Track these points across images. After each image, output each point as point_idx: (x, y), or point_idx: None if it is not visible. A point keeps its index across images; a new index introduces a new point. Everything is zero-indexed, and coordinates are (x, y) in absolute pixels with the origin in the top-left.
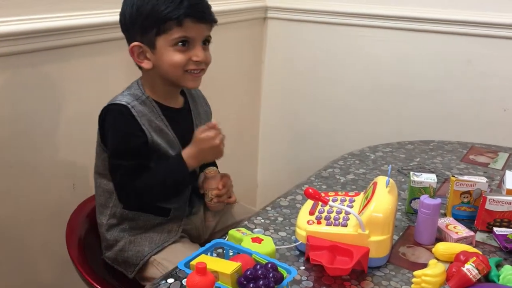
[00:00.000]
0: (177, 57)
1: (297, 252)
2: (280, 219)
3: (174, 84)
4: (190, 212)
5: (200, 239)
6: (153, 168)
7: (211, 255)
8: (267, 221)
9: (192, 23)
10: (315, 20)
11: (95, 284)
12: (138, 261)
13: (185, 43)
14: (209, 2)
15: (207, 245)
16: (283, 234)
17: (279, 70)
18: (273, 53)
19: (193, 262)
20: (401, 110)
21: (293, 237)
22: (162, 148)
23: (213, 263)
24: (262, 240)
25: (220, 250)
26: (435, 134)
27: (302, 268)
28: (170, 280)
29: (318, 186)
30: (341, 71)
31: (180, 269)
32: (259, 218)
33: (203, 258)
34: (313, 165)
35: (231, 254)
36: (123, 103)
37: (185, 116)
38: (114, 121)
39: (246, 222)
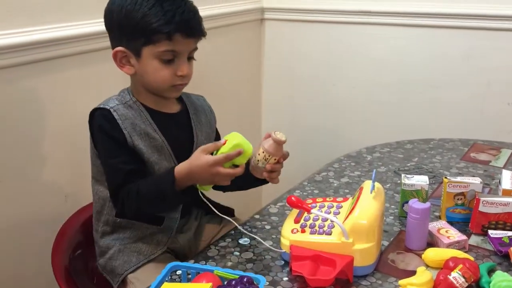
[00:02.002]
0: (163, 72)
1: (282, 262)
2: (267, 227)
3: (156, 94)
4: (181, 230)
5: (187, 258)
6: (148, 177)
7: (168, 281)
8: (254, 230)
9: (182, 38)
10: (312, 19)
11: None
12: (123, 271)
13: (171, 57)
14: (206, 6)
15: (164, 271)
16: (269, 243)
17: (279, 70)
18: (272, 54)
19: None
20: (402, 108)
21: (278, 246)
22: (145, 153)
23: None
24: (226, 140)
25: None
26: (438, 132)
27: (285, 279)
28: None
29: (310, 191)
30: (341, 70)
31: None
32: (245, 227)
33: (166, 286)
34: (315, 165)
35: (189, 276)
36: (106, 107)
37: (180, 121)
38: (99, 124)
39: (232, 232)
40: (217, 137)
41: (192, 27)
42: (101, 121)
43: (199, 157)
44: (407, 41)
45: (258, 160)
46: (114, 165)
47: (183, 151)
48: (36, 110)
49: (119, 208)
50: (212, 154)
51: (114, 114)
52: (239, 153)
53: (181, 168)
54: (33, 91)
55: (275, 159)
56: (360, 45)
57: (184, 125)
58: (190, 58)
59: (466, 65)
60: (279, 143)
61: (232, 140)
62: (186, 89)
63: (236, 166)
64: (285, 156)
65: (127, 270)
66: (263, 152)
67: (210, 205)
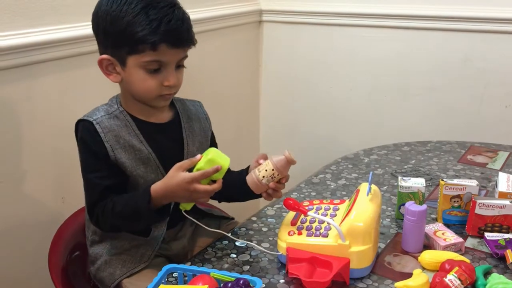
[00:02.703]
0: (149, 82)
1: (279, 264)
2: (264, 229)
3: (144, 103)
4: (175, 237)
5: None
6: (124, 195)
7: (165, 283)
8: (251, 232)
9: (168, 48)
10: (310, 21)
11: None
12: (110, 283)
13: (157, 67)
14: (203, 8)
15: (160, 274)
16: (266, 245)
17: (277, 73)
18: (270, 56)
19: None
20: (400, 110)
21: (275, 249)
22: (129, 167)
23: None
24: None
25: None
26: (435, 134)
27: (282, 281)
28: None
29: (307, 193)
30: (338, 72)
31: None
32: (242, 228)
33: None
34: (313, 167)
35: (185, 278)
36: (90, 119)
37: (170, 131)
38: (82, 136)
39: (229, 234)
40: (212, 144)
41: (178, 37)
42: (82, 134)
43: (175, 175)
44: (405, 44)
45: (263, 177)
46: (91, 179)
47: (173, 163)
48: (33, 111)
49: (94, 223)
50: (190, 170)
51: (97, 126)
52: (216, 170)
53: (157, 187)
54: (29, 92)
55: (280, 178)
56: (358, 47)
57: (174, 135)
58: (180, 66)
59: (464, 67)
60: (291, 163)
61: (207, 155)
62: (182, 94)
63: (214, 181)
64: (287, 177)
65: (113, 283)
66: (272, 170)
67: (195, 221)
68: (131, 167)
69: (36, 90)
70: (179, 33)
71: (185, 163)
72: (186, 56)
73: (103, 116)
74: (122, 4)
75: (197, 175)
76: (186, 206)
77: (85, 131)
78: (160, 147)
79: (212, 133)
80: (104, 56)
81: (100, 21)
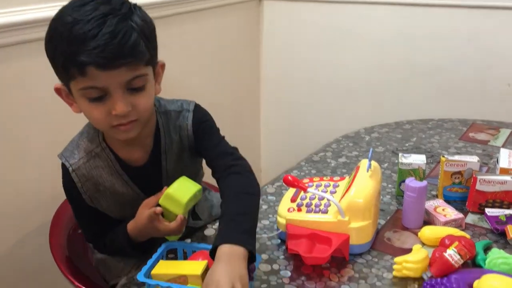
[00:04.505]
0: (94, 113)
1: (279, 241)
2: (264, 207)
3: None
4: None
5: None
6: (111, 232)
7: (165, 259)
8: None
9: (97, 70)
10: None
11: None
12: (108, 281)
13: (98, 95)
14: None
15: (159, 250)
16: (266, 222)
17: (278, 52)
18: (270, 35)
19: (154, 271)
20: (402, 88)
21: (275, 226)
22: (112, 212)
23: (177, 267)
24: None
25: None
26: (437, 112)
27: (282, 257)
28: None
29: (307, 171)
30: (341, 51)
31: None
32: None
33: (162, 264)
34: (313, 145)
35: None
36: (66, 163)
37: (155, 165)
38: (63, 181)
39: None
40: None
41: (108, 55)
42: (63, 180)
43: (141, 214)
44: (408, 21)
45: None
46: (81, 224)
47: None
48: (35, 91)
49: (98, 251)
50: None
51: (73, 175)
52: (158, 213)
53: (131, 226)
54: (26, 69)
55: None
56: (360, 25)
57: (158, 167)
58: (137, 89)
59: (467, 45)
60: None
61: (168, 189)
62: (178, 80)
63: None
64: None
65: (109, 282)
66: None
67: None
68: (115, 212)
69: (33, 67)
70: (109, 52)
71: (150, 200)
72: (140, 76)
73: (81, 160)
74: (57, 21)
75: (150, 213)
76: (170, 239)
77: (64, 177)
78: (147, 186)
79: (199, 142)
80: (57, 84)
81: (45, 44)
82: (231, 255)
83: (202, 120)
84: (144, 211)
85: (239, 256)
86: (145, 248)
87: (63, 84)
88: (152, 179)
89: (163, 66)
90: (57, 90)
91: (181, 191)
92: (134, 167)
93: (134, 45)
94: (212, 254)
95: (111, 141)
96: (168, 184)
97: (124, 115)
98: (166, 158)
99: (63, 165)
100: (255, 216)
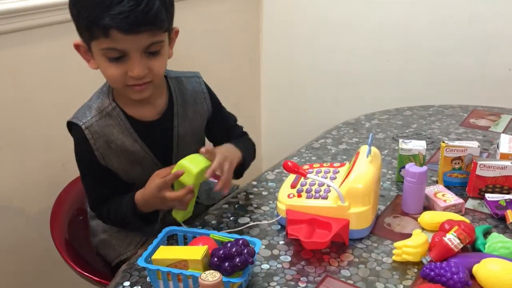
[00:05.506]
0: (111, 70)
1: (279, 227)
2: (264, 193)
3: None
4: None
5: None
6: (116, 200)
7: (165, 244)
8: (251, 196)
9: (121, 34)
10: None
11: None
12: (110, 261)
13: (118, 55)
14: None
15: (160, 235)
16: (266, 208)
17: (278, 40)
18: (270, 22)
19: (154, 257)
20: (402, 74)
21: (275, 212)
22: (122, 171)
23: (177, 252)
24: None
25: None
26: (439, 98)
27: (282, 242)
28: (134, 279)
29: (307, 158)
30: (341, 36)
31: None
32: (243, 193)
33: (162, 249)
34: (314, 132)
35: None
36: (79, 122)
37: (163, 126)
38: (74, 143)
39: (230, 198)
40: (217, 115)
41: (132, 21)
42: (75, 141)
43: (151, 182)
44: (407, 6)
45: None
46: (88, 186)
47: (170, 157)
48: (33, 77)
49: (100, 219)
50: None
51: (86, 132)
52: (176, 176)
53: (138, 195)
54: (35, 58)
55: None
56: (360, 11)
57: (168, 127)
58: (154, 53)
59: (467, 29)
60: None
61: (181, 160)
62: (177, 64)
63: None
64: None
65: (111, 262)
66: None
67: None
68: (125, 171)
69: (37, 54)
70: (133, 17)
71: (164, 170)
72: (158, 42)
73: (93, 118)
74: None
75: (161, 182)
76: (177, 216)
77: (76, 137)
78: (156, 144)
79: (216, 109)
80: (77, 41)
81: (70, 5)
82: (234, 149)
83: (211, 90)
84: (155, 179)
85: (237, 154)
86: (148, 221)
87: (83, 41)
88: (161, 139)
89: (177, 32)
90: (76, 46)
91: (193, 163)
92: (144, 125)
93: (156, 13)
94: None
95: (122, 101)
96: (178, 148)
97: (136, 76)
98: (178, 119)
99: (75, 126)
100: (251, 158)
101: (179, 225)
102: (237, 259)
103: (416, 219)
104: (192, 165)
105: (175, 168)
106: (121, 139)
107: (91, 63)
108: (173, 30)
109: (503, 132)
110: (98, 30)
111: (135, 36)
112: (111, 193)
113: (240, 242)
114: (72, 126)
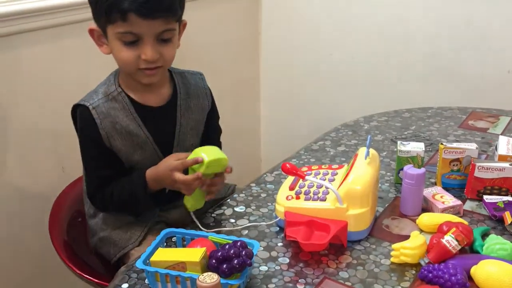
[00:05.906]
0: (125, 54)
1: (277, 229)
2: (263, 195)
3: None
4: (175, 205)
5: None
6: (122, 179)
7: (164, 246)
8: (250, 198)
9: (138, 18)
10: None
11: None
12: (109, 259)
13: (132, 39)
14: None
15: (159, 237)
16: (264, 210)
17: (277, 41)
18: (269, 24)
19: (153, 259)
20: (401, 77)
21: (273, 214)
22: (124, 153)
23: (175, 254)
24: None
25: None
26: (437, 100)
27: (280, 244)
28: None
29: (306, 160)
30: (340, 38)
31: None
32: (242, 195)
33: (161, 251)
34: (314, 133)
35: (184, 242)
36: (86, 103)
37: (167, 113)
38: (80, 126)
39: (228, 200)
40: (213, 117)
41: (149, 6)
42: (81, 122)
43: (166, 161)
44: (405, 8)
45: None
46: (91, 168)
47: (170, 145)
48: (34, 81)
49: (97, 207)
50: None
51: (93, 112)
52: (195, 161)
53: (151, 171)
54: (32, 60)
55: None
56: (359, 13)
57: (171, 116)
58: (166, 40)
59: (466, 31)
60: None
61: (198, 148)
62: (178, 65)
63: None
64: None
65: (111, 260)
66: None
67: (196, 220)
68: (127, 153)
69: (32, 58)
70: (151, 3)
71: (181, 154)
72: (170, 29)
73: (100, 100)
74: None
75: (178, 163)
76: (187, 204)
77: (82, 118)
78: (158, 130)
79: (213, 109)
80: (92, 26)
81: None
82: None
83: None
84: (170, 159)
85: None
86: (155, 199)
87: (98, 26)
88: (164, 126)
89: (185, 25)
90: (91, 31)
91: (208, 152)
92: (148, 110)
93: (172, 2)
94: None
95: (128, 87)
96: (179, 138)
97: (149, 60)
98: (181, 110)
99: (82, 107)
100: None
101: (179, 225)
102: (235, 261)
103: (414, 220)
104: (206, 154)
105: (192, 155)
106: (126, 121)
107: (103, 48)
108: (182, 22)
109: (501, 134)
110: (117, 14)
111: (151, 21)
112: (112, 176)
113: (238, 244)
114: (78, 108)
